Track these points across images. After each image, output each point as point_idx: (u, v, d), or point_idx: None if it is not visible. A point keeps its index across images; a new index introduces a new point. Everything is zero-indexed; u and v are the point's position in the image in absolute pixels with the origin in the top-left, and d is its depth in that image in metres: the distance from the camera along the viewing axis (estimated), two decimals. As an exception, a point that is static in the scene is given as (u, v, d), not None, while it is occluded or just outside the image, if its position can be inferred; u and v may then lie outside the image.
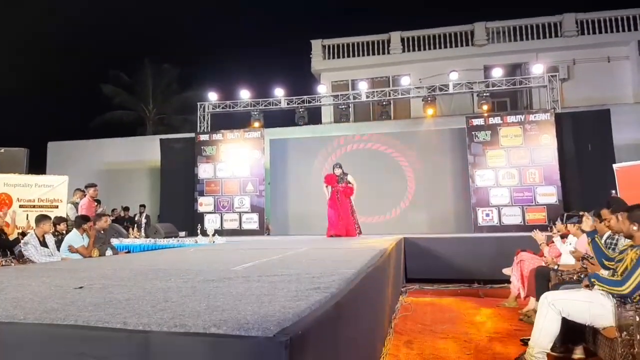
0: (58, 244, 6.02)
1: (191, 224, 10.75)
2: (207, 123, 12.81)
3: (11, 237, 6.40)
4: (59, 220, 6.53)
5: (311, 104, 12.66)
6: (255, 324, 1.27)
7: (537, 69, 11.58)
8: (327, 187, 8.80)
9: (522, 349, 3.80)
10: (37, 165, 12.40)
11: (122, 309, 1.53)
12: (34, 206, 8.20)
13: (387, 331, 4.11)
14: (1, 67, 22.70)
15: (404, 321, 4.86)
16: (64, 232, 6.61)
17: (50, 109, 23.40)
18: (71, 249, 5.90)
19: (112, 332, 1.29)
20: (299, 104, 12.48)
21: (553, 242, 5.47)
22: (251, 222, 11.46)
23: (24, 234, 6.17)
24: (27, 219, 6.84)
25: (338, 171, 8.71)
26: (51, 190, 8.39)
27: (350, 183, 8.69)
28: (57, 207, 8.12)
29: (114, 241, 7.40)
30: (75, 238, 6.07)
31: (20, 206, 8.20)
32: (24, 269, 3.22)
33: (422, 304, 5.94)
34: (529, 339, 3.90)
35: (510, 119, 10.57)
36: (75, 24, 23.71)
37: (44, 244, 5.65)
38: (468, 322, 4.95)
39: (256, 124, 12.29)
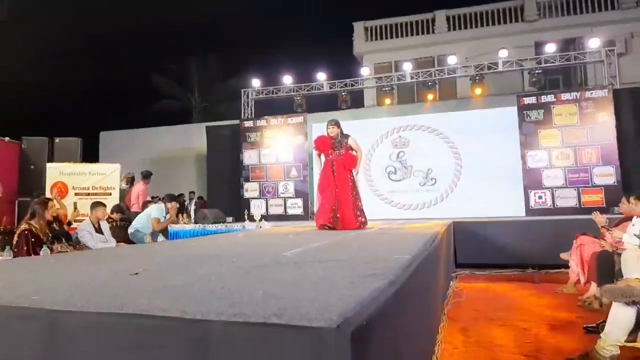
0: (112, 230, 6.24)
1: (238, 209, 10.89)
2: (251, 109, 12.88)
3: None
4: (117, 209, 6.75)
5: (354, 87, 12.49)
6: (317, 313, 1.21)
7: (594, 43, 10.92)
8: (319, 155, 6.25)
9: (586, 338, 3.62)
10: (90, 155, 12.88)
11: (179, 295, 1.50)
12: (88, 194, 8.51)
13: (440, 318, 4.00)
14: (54, 59, 23.63)
15: (457, 308, 4.73)
16: (118, 221, 6.85)
17: (101, 99, 24.21)
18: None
19: (171, 322, 1.26)
20: (341, 87, 12.33)
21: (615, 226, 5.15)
22: (296, 207, 11.49)
23: (69, 223, 6.37)
24: (74, 208, 7.07)
25: (333, 131, 5.98)
26: (104, 178, 8.69)
27: (352, 149, 6.06)
28: (110, 194, 8.41)
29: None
30: (159, 212, 6.64)
31: (76, 194, 8.52)
32: (81, 255, 3.30)
33: (475, 290, 5.78)
34: (593, 327, 3.72)
35: (565, 96, 10.05)
36: (125, 14, 24.32)
37: (99, 230, 5.85)
38: (525, 309, 4.76)
39: (299, 109, 12.26)
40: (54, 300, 1.47)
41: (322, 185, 6.00)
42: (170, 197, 6.91)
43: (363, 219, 5.98)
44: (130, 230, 6.71)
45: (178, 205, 6.84)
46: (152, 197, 12.74)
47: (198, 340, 1.21)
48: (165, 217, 6.69)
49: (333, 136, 5.99)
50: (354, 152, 6.06)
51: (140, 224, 6.69)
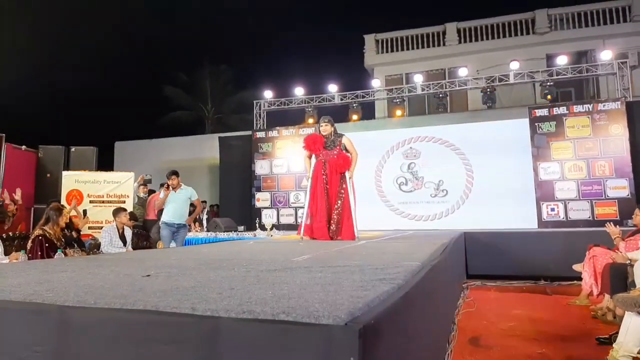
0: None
1: (249, 219, 10.93)
2: (263, 120, 12.97)
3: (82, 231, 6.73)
4: (130, 216, 6.83)
5: (365, 98, 12.55)
6: (325, 312, 1.22)
7: (606, 55, 10.89)
8: (309, 156, 5.58)
9: (598, 349, 3.57)
10: (105, 164, 13.02)
11: (189, 295, 1.52)
12: (103, 202, 8.61)
13: (450, 327, 3.97)
14: (72, 72, 24.06)
15: (468, 318, 4.69)
16: (131, 228, 6.95)
17: (117, 109, 24.55)
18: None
19: (181, 318, 1.28)
20: (352, 99, 12.40)
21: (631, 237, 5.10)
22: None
23: (78, 231, 6.41)
24: (84, 215, 7.14)
25: (326, 129, 5.38)
26: (118, 186, 8.77)
27: (346, 151, 5.44)
28: (124, 202, 8.46)
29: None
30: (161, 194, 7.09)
31: (91, 202, 8.62)
32: (94, 259, 3.34)
33: (486, 300, 5.72)
34: (605, 338, 3.67)
35: (577, 108, 9.99)
36: (137, 26, 24.73)
37: (122, 236, 5.93)
38: (537, 319, 4.70)
39: (310, 120, 12.32)
40: (66, 298, 1.50)
41: (313, 190, 5.33)
42: (166, 175, 7.06)
43: (342, 230, 5.26)
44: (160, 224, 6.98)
45: (172, 182, 6.89)
46: None
47: (207, 335, 1.22)
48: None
49: (326, 134, 5.39)
50: (348, 153, 5.46)
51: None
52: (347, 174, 5.35)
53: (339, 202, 5.29)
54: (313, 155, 5.50)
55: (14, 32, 21.79)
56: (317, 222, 5.22)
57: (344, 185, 5.33)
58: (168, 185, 6.86)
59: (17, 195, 7.06)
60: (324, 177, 5.29)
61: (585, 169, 9.73)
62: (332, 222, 5.21)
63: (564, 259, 6.36)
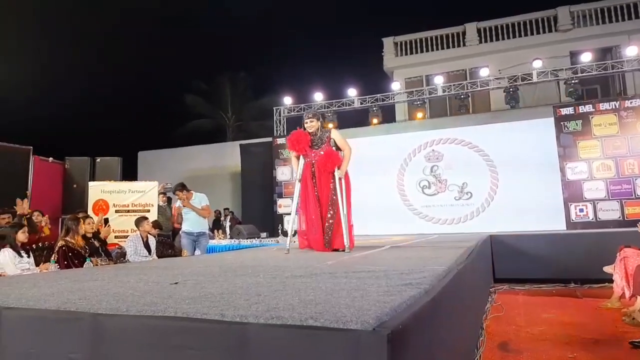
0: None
1: (271, 225, 10.98)
2: (283, 127, 13.03)
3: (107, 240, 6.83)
4: (155, 224, 6.93)
5: (385, 102, 12.50)
6: (353, 317, 1.22)
7: (631, 51, 10.64)
8: (295, 156, 4.87)
9: (631, 353, 3.48)
10: (129, 173, 13.25)
11: (217, 302, 1.54)
12: (128, 211, 8.75)
13: (479, 332, 3.92)
14: (96, 85, 24.63)
15: (496, 322, 4.61)
16: (156, 236, 7.05)
17: (139, 120, 24.97)
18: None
19: (211, 324, 1.30)
20: (372, 102, 12.37)
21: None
22: (329, 222, 11.47)
23: (103, 241, 6.44)
24: (105, 224, 7.25)
25: (312, 126, 4.71)
26: (143, 195, 8.90)
27: (337, 147, 4.80)
28: (148, 210, 8.59)
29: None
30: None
31: (116, 211, 8.78)
32: (122, 267, 3.40)
33: (514, 304, 5.62)
34: (639, 342, 3.57)
35: (604, 106, 9.78)
36: (157, 35, 25.18)
37: (146, 244, 6.02)
38: (567, 323, 4.60)
39: (330, 125, 12.31)
40: (98, 306, 1.53)
41: (304, 195, 4.72)
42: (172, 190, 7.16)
43: (333, 239, 4.52)
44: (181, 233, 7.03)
45: (179, 196, 6.96)
46: None
47: (236, 341, 1.24)
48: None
49: (312, 132, 4.72)
50: (341, 153, 4.77)
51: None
52: (336, 174, 4.59)
53: (330, 207, 4.60)
54: (301, 156, 4.81)
55: (38, 46, 22.43)
56: (312, 232, 4.60)
57: (335, 187, 4.59)
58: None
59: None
60: (314, 180, 4.65)
61: (613, 168, 9.51)
62: (325, 230, 4.54)
63: (594, 261, 6.18)
